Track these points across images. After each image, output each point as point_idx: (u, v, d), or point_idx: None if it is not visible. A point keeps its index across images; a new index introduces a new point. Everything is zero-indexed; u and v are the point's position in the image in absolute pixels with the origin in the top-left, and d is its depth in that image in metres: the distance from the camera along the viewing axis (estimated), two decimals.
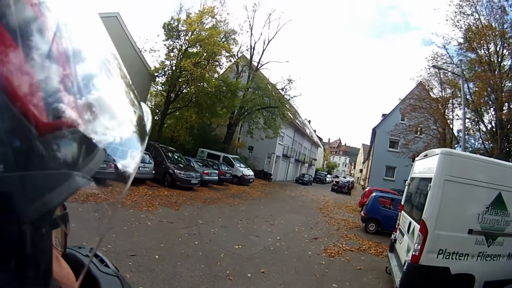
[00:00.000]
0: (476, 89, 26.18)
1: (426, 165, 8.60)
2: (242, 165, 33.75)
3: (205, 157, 31.02)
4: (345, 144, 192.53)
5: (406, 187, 10.41)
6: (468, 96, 25.82)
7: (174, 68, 29.83)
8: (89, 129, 0.53)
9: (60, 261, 0.67)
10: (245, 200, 22.43)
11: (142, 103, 0.81)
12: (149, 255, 8.09)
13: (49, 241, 0.52)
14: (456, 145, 29.29)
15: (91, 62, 0.58)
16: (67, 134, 0.48)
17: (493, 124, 25.78)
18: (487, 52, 26.05)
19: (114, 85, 0.66)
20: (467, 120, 25.82)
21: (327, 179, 79.80)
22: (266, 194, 29.56)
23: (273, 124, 38.37)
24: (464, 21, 26.85)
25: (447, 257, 7.13)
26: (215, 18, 32.02)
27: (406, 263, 7.43)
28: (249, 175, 33.27)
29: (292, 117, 46.10)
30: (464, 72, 25.17)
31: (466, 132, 24.54)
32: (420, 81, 33.26)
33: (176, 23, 30.23)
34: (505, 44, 25.14)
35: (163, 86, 32.56)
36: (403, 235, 8.96)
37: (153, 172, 19.60)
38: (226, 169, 30.16)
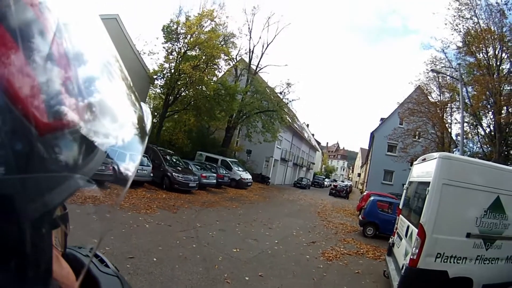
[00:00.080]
0: (475, 93, 26.24)
1: (424, 169, 8.61)
2: (240, 169, 33.73)
3: (203, 160, 30.98)
4: (343, 148, 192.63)
5: (404, 191, 10.43)
6: (466, 100, 25.83)
7: (173, 71, 29.88)
8: (89, 130, 0.53)
9: (60, 261, 0.67)
10: (243, 204, 22.40)
11: (142, 103, 0.81)
12: (147, 258, 8.06)
13: (49, 241, 0.52)
14: (454, 149, 29.32)
15: (91, 63, 0.58)
16: (67, 135, 0.48)
17: (492, 128, 25.80)
18: (486, 56, 26.12)
19: (114, 87, 0.66)
20: (465, 124, 25.85)
21: (325, 183, 79.93)
22: (264, 197, 29.52)
23: (271, 127, 38.34)
24: (463, 25, 26.92)
25: (445, 260, 7.13)
26: (214, 21, 32.15)
27: (404, 267, 7.43)
28: (247, 179, 33.21)
29: (290, 121, 46.10)
30: (463, 76, 25.20)
31: (464, 136, 24.56)
32: (419, 85, 33.28)
33: (175, 26, 30.32)
34: (504, 48, 25.18)
35: (161, 89, 32.58)
36: (401, 239, 8.96)
37: (151, 174, 19.56)
38: (224, 172, 30.11)
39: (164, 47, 30.70)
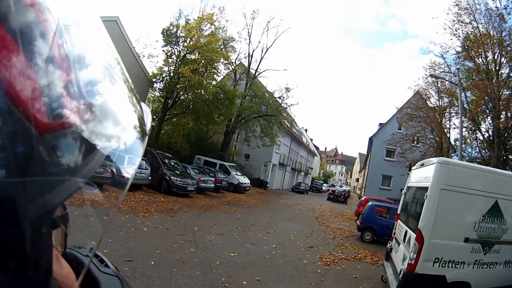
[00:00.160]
0: (474, 97, 26.23)
1: (422, 174, 8.61)
2: (238, 173, 33.74)
3: (201, 164, 31.00)
4: (342, 153, 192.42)
5: (402, 196, 10.42)
6: (465, 105, 25.84)
7: (172, 74, 29.95)
8: (89, 132, 0.53)
9: (60, 261, 0.67)
10: (241, 208, 22.39)
11: (142, 103, 0.81)
12: (144, 261, 8.05)
13: (49, 241, 0.52)
14: (453, 154, 29.35)
15: (92, 65, 0.59)
16: (67, 135, 0.48)
17: (490, 133, 25.77)
18: (485, 61, 26.11)
19: (115, 88, 0.66)
20: (464, 129, 25.83)
21: (323, 188, 79.71)
22: (262, 202, 29.53)
23: (270, 132, 38.32)
24: (462, 30, 26.89)
25: (443, 265, 7.13)
26: (214, 25, 32.28)
27: (402, 272, 7.43)
28: (245, 183, 33.24)
29: (289, 125, 46.07)
30: (462, 81, 25.19)
31: (463, 141, 24.54)
32: (418, 90, 33.29)
33: (175, 29, 30.40)
34: (503, 52, 25.16)
35: (160, 92, 32.65)
36: (399, 244, 8.96)
37: (150, 178, 19.54)
38: (223, 176, 30.08)
39: (163, 50, 30.82)
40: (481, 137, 27.23)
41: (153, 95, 35.21)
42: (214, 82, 32.49)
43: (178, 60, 30.06)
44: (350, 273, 10.77)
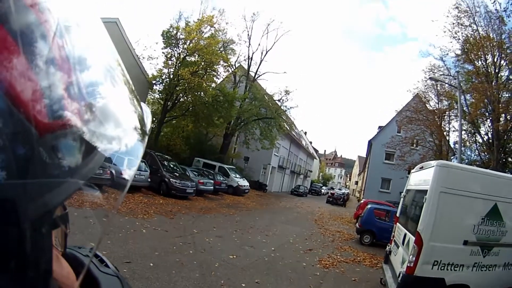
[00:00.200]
0: (473, 100, 26.33)
1: (421, 177, 8.62)
2: (237, 176, 33.72)
3: (200, 167, 30.97)
4: (341, 156, 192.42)
5: (402, 199, 10.42)
6: (465, 108, 25.87)
7: (171, 76, 29.92)
8: (89, 133, 0.53)
9: (60, 261, 0.67)
10: (240, 211, 22.40)
11: (142, 103, 0.82)
12: (143, 263, 8.05)
13: (49, 241, 0.52)
14: (452, 157, 29.35)
15: (92, 65, 0.59)
16: (66, 136, 0.48)
17: (490, 136, 25.82)
18: (484, 63, 26.19)
19: (115, 89, 0.66)
20: (463, 132, 25.84)
21: (323, 190, 79.65)
22: (261, 205, 29.51)
23: (269, 135, 38.37)
24: (462, 33, 26.96)
25: (442, 268, 7.13)
26: (214, 27, 32.25)
27: (401, 275, 7.42)
28: (244, 186, 33.20)
29: (288, 128, 46.11)
30: (461, 84, 25.27)
31: (462, 144, 24.55)
32: (417, 93, 33.28)
33: (175, 31, 30.36)
34: (503, 55, 25.24)
35: (160, 94, 32.63)
36: (398, 246, 8.96)
37: (149, 180, 19.52)
38: (222, 179, 30.14)
39: (163, 52, 30.79)
40: (480, 140, 27.31)
41: (152, 97, 35.14)
42: (213, 85, 32.41)
43: (178, 62, 30.05)
44: (349, 276, 10.77)
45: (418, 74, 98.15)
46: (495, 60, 25.66)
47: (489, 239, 7.42)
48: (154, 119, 30.69)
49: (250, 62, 40.87)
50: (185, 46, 30.06)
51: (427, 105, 32.59)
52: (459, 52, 27.71)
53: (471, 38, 26.47)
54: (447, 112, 30.89)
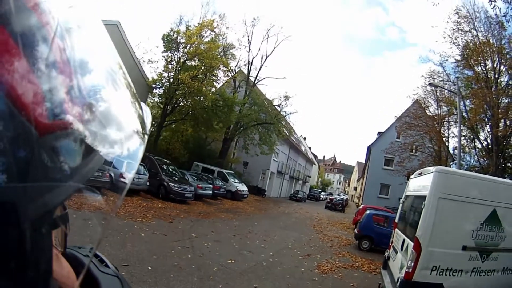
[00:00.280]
0: (472, 106, 26.34)
1: (420, 183, 8.61)
2: (236, 181, 33.69)
3: (199, 171, 30.91)
4: (340, 161, 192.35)
5: (400, 205, 10.42)
6: (464, 114, 25.90)
7: (171, 80, 29.95)
8: (89, 134, 0.53)
9: (60, 260, 0.67)
10: (239, 216, 22.37)
11: (142, 104, 0.82)
12: (142, 266, 8.04)
13: (49, 242, 0.52)
14: (451, 163, 29.29)
15: (92, 67, 0.59)
16: (66, 137, 0.49)
17: (489, 141, 25.82)
18: (484, 69, 26.19)
19: (115, 90, 0.66)
20: (462, 138, 25.85)
21: (321, 196, 79.70)
22: (260, 210, 29.49)
23: (268, 140, 38.35)
24: (462, 38, 26.99)
25: (441, 273, 7.12)
26: (214, 32, 32.34)
27: (400, 280, 7.41)
28: (243, 191, 33.17)
29: (287, 133, 46.12)
30: (461, 90, 25.29)
31: (461, 150, 24.56)
32: (417, 99, 33.27)
33: (175, 35, 30.41)
34: (503, 60, 25.25)
35: (160, 98, 32.54)
36: (396, 252, 8.95)
37: (148, 183, 19.54)
38: (221, 184, 30.07)
39: (163, 56, 30.83)
40: (479, 146, 27.34)
41: (152, 101, 35.17)
42: (213, 89, 32.52)
43: (178, 66, 30.07)
44: (348, 281, 10.75)
45: (418, 80, 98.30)
46: (495, 65, 25.70)
47: (488, 244, 7.42)
48: (153, 122, 30.66)
49: (250, 67, 40.92)
50: (186, 50, 30.07)
51: (427, 111, 32.61)
52: (458, 57, 27.78)
53: (471, 44, 26.52)
54: (446, 118, 30.92)
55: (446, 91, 28.73)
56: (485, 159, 26.68)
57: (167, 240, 11.24)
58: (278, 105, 40.52)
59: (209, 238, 12.92)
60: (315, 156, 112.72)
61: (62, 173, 0.48)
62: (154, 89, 31.71)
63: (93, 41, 0.63)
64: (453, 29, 27.05)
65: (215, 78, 32.53)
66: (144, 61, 30.73)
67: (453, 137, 30.86)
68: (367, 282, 10.98)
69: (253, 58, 40.79)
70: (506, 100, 25.13)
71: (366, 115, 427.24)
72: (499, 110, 24.15)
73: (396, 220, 10.53)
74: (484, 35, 26.20)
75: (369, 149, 54.42)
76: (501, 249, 7.56)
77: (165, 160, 24.81)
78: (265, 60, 40.94)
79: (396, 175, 34.11)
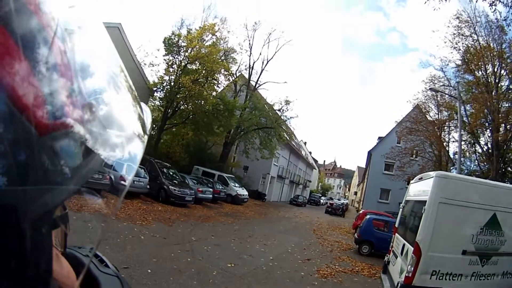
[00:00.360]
0: (473, 111, 26.36)
1: (421, 188, 8.62)
2: (236, 185, 33.63)
3: (200, 175, 30.88)
4: (340, 166, 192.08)
5: (401, 209, 10.41)
6: (464, 118, 25.92)
7: (172, 83, 29.93)
8: (88, 136, 0.53)
9: (60, 260, 0.67)
10: (239, 220, 22.31)
11: (142, 104, 0.82)
12: (141, 269, 8.03)
13: (49, 242, 0.52)
14: (452, 168, 29.28)
15: (94, 71, 0.59)
16: (66, 139, 0.49)
17: (489, 146, 25.89)
18: (484, 74, 26.26)
19: (118, 94, 0.66)
20: (463, 142, 25.86)
21: (322, 201, 79.52)
22: (260, 214, 29.43)
23: (269, 144, 38.37)
24: (462, 43, 27.07)
25: (441, 278, 7.12)
26: (216, 36, 32.35)
27: (399, 285, 7.42)
28: (243, 195, 33.10)
29: (288, 138, 46.03)
30: (461, 94, 25.29)
31: (462, 154, 24.56)
32: (417, 104, 33.32)
33: (176, 39, 30.41)
34: (503, 64, 25.32)
35: (161, 101, 32.58)
36: (396, 257, 8.95)
37: (148, 186, 19.49)
38: (221, 187, 30.02)
39: (164, 59, 30.81)
40: (480, 150, 27.42)
41: (153, 104, 35.16)
42: (214, 93, 32.51)
43: (179, 69, 30.05)
44: (347, 285, 10.73)
45: (418, 85, 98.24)
46: (495, 70, 25.75)
47: (488, 248, 7.42)
48: (154, 126, 30.65)
49: (251, 72, 40.99)
50: (187, 53, 30.10)
51: (427, 116, 32.67)
52: (459, 62, 27.88)
53: (472, 48, 26.58)
54: (447, 123, 30.97)
55: (447, 96, 28.75)
56: (485, 163, 26.71)
57: (167, 243, 11.23)
58: (279, 110, 40.68)
59: (209, 241, 12.89)
60: (316, 161, 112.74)
61: (62, 175, 0.48)
62: (155, 92, 31.72)
63: (93, 42, 0.64)
64: (454, 34, 27.20)
65: (216, 82, 32.55)
66: (145, 64, 30.81)
67: (453, 142, 31.06)
68: (367, 286, 10.95)
69: (254, 62, 41.00)
70: (507, 105, 25.18)
71: (366, 120, 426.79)
72: (500, 115, 24.20)
73: (396, 225, 10.55)
74: (485, 40, 26.29)
75: (370, 154, 54.40)
76: (501, 253, 7.57)
77: (166, 164, 24.77)
78: (266, 65, 41.12)
79: (396, 180, 34.12)
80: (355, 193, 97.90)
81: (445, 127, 31.35)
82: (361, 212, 28.83)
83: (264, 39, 41.81)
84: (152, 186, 19.96)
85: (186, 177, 25.67)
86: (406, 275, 7.22)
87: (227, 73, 33.66)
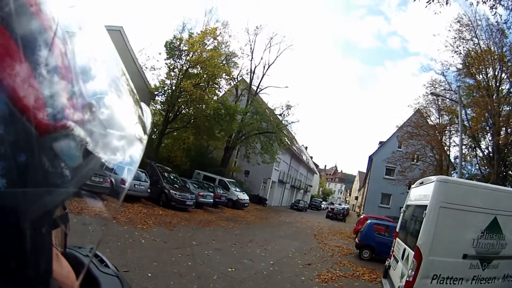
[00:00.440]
0: (474, 115, 26.38)
1: (422, 193, 8.61)
2: (237, 189, 33.60)
3: (201, 179, 30.83)
4: (341, 171, 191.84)
5: (401, 214, 10.40)
6: (465, 122, 25.94)
7: (174, 88, 29.97)
8: (88, 138, 0.54)
9: (60, 260, 0.68)
10: (240, 224, 22.30)
11: (142, 104, 0.82)
12: (142, 273, 8.02)
13: (49, 242, 0.53)
14: (452, 172, 29.26)
15: (95, 73, 0.60)
16: (66, 140, 0.49)
17: (490, 149, 25.84)
18: (485, 77, 26.30)
19: (119, 97, 0.67)
20: (464, 147, 25.86)
21: (322, 205, 79.39)
22: (261, 219, 29.38)
23: (270, 149, 38.40)
24: (463, 47, 27.11)
25: (441, 282, 7.10)
26: (217, 40, 32.38)
27: None
28: (244, 199, 33.06)
29: (289, 143, 46.02)
30: (462, 98, 25.31)
31: (463, 159, 24.54)
32: (418, 108, 33.31)
33: (178, 43, 30.48)
34: (504, 68, 25.37)
35: (162, 105, 32.64)
36: (397, 261, 8.93)
37: (149, 190, 19.48)
38: (222, 192, 30.04)
39: (166, 63, 30.91)
40: (481, 154, 27.39)
41: (154, 108, 35.17)
42: (215, 97, 32.50)
43: (180, 73, 30.09)
44: None
45: (419, 89, 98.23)
46: (496, 73, 25.77)
47: (489, 252, 7.40)
48: (155, 130, 30.64)
49: (252, 76, 40.97)
50: (188, 57, 30.13)
51: (428, 120, 32.62)
52: (460, 66, 27.88)
53: (473, 52, 26.63)
54: (448, 127, 30.95)
55: (448, 100, 28.77)
56: (486, 167, 26.65)
57: (167, 247, 11.21)
58: (280, 114, 40.65)
59: (209, 246, 12.87)
60: (317, 166, 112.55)
61: (62, 176, 0.49)
62: (156, 96, 31.74)
63: (94, 42, 0.64)
64: (455, 38, 27.25)
65: (217, 86, 32.59)
66: (146, 67, 30.85)
67: (454, 146, 31.08)
68: None
69: (255, 67, 41.00)
70: (507, 108, 25.18)
71: (367, 125, 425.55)
72: (500, 118, 24.20)
73: (397, 230, 10.53)
74: (486, 43, 26.35)
75: (371, 158, 54.36)
76: (502, 257, 7.55)
77: (167, 168, 24.75)
78: (267, 69, 41.16)
79: (397, 184, 34.06)
80: (356, 198, 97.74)
81: (446, 132, 31.33)
82: (362, 216, 28.74)
83: (265, 43, 41.83)
84: (153, 190, 19.93)
85: (187, 181, 25.62)
86: (407, 279, 7.20)
87: (228, 77, 33.72)
